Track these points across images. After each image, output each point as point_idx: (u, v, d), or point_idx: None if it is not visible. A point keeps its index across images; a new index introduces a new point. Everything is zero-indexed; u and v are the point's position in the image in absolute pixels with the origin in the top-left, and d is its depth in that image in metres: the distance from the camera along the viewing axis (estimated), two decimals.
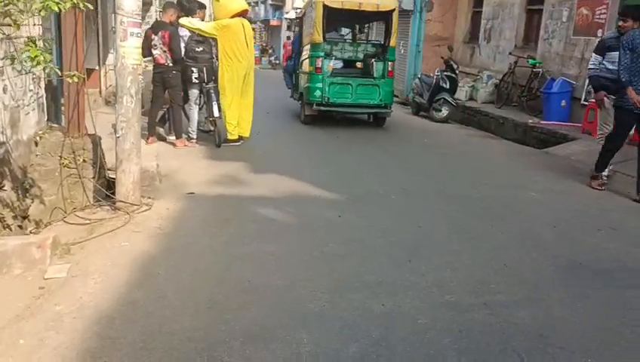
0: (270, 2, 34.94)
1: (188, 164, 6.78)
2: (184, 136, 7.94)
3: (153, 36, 7.36)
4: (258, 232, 4.58)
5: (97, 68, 10.79)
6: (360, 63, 10.66)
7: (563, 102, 10.26)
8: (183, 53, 7.49)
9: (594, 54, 6.72)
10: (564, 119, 10.19)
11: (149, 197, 5.23)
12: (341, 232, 4.68)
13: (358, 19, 11.30)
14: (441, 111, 11.58)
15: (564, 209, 5.70)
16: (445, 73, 11.58)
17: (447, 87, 11.51)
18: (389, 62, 9.95)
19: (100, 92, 11.01)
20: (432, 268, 3.98)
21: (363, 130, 10.29)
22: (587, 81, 8.67)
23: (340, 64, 10.53)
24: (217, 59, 7.79)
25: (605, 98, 6.48)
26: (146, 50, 7.38)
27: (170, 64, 7.40)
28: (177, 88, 7.53)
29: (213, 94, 7.67)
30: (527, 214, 5.43)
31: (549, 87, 10.47)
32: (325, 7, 9.37)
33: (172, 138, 7.79)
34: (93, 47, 10.61)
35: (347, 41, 12.05)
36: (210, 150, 7.69)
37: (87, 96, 5.75)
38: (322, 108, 9.71)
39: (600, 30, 9.57)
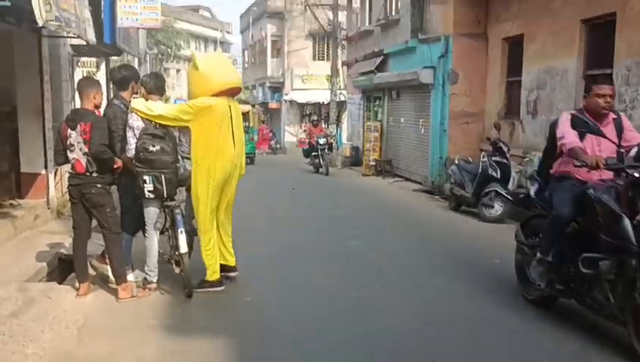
0: (269, 84, 33.34)
1: (129, 345, 4.02)
2: (134, 277, 5.25)
3: (69, 132, 4.82)
4: None
5: (43, 171, 8.27)
6: None
7: None
8: (131, 152, 4.94)
9: None
10: None
11: None
12: None
13: None
14: (493, 207, 8.92)
15: None
16: (494, 158, 9.04)
17: (498, 175, 8.92)
18: None
19: (48, 202, 8.42)
20: None
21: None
22: None
23: None
24: (186, 161, 5.23)
25: None
26: (61, 153, 4.83)
27: (94, 172, 4.80)
28: (106, 208, 4.89)
29: (178, 216, 5.03)
30: None
31: None
32: None
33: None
34: (37, 144, 8.15)
35: None
36: (175, 303, 4.94)
37: None
38: None
39: None
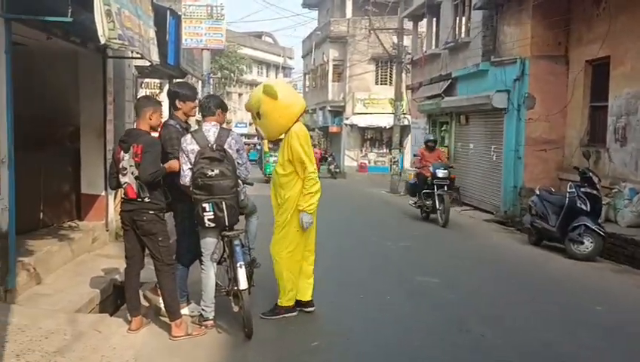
0: (329, 108, 33.11)
1: None
2: (189, 311, 4.80)
3: (122, 154, 4.44)
4: None
5: (103, 193, 8.07)
6: None
7: None
8: (187, 179, 4.52)
9: None
10: None
11: None
12: None
13: None
14: (582, 243, 7.99)
15: None
16: (582, 189, 8.16)
17: (588, 208, 8.03)
18: None
19: (107, 225, 8.20)
20: None
21: None
22: None
23: None
24: (246, 187, 4.79)
25: None
26: (114, 176, 4.47)
27: (147, 198, 4.39)
28: (158, 236, 4.44)
29: (237, 248, 4.53)
30: None
31: None
32: None
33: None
34: (98, 165, 7.96)
35: None
36: (233, 344, 4.42)
37: None
38: None
39: None
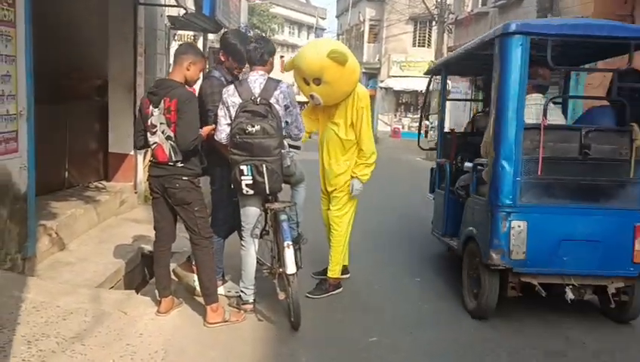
0: (363, 70, 31.99)
1: None
2: (225, 291, 4.23)
3: (151, 109, 3.77)
4: None
5: (132, 152, 7.50)
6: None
7: None
8: (223, 135, 3.88)
9: None
10: None
11: None
12: None
13: None
14: None
15: None
16: None
17: None
18: None
19: (135, 186, 7.67)
20: None
21: None
22: None
23: None
24: (289, 150, 4.10)
25: None
26: (141, 134, 3.83)
27: (179, 162, 3.75)
28: (193, 206, 3.80)
29: (284, 224, 3.85)
30: None
31: None
32: None
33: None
34: (127, 122, 7.35)
35: None
36: (278, 337, 3.82)
37: None
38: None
39: None
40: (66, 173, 6.90)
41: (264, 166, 3.73)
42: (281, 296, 3.79)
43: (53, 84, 6.74)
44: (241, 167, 3.75)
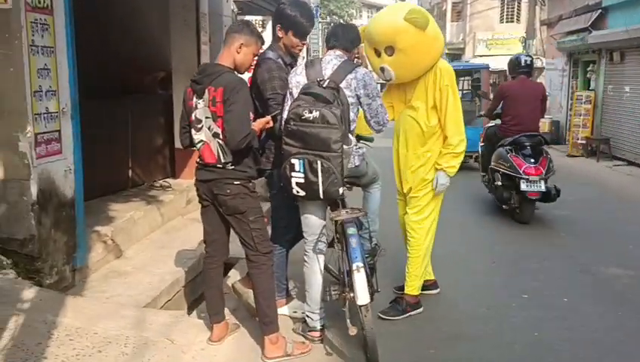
0: (446, 51, 30.45)
1: None
2: (289, 311, 3.59)
3: (195, 100, 3.13)
4: None
5: None
6: None
7: None
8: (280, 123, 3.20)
9: None
10: None
11: None
12: None
13: None
14: None
15: None
16: None
17: None
18: None
19: None
20: None
21: None
22: None
23: None
24: (355, 144, 3.30)
25: None
26: (186, 130, 3.20)
27: (230, 163, 3.09)
28: (248, 216, 3.12)
29: (353, 239, 3.08)
30: None
31: None
32: None
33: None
34: None
35: None
36: None
37: None
38: None
39: None
40: (130, 171, 6.54)
41: (319, 162, 2.99)
42: (352, 331, 3.01)
43: (112, 78, 6.35)
44: (292, 161, 3.04)
